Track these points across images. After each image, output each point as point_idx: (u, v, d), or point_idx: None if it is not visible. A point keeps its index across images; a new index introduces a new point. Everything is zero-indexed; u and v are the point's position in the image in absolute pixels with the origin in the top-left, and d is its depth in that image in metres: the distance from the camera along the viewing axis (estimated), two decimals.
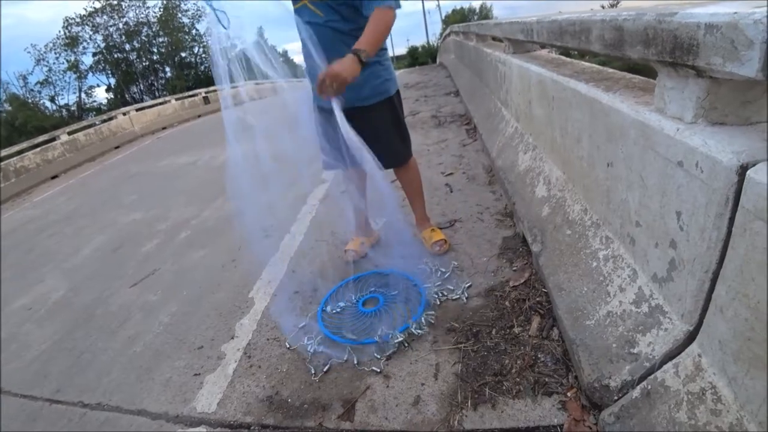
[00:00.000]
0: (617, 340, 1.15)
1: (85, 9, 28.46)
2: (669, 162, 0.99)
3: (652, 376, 1.01)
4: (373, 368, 1.51)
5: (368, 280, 2.05)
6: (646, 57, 1.06)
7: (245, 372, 1.65)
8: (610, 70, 1.68)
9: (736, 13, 0.74)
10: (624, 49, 1.16)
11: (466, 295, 1.79)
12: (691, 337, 0.96)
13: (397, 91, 1.96)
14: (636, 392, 1.03)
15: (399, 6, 1.61)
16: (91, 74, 30.27)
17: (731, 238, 0.81)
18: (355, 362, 1.56)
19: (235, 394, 1.55)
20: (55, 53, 28.13)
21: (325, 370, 1.55)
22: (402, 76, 12.69)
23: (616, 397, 1.08)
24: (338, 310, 1.85)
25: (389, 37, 1.83)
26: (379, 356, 1.56)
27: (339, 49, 1.61)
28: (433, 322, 1.68)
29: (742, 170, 0.77)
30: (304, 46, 1.68)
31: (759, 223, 0.72)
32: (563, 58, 2.38)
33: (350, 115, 1.66)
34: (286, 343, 1.73)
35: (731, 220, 0.81)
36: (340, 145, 1.94)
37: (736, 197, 0.79)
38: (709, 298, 0.89)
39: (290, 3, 1.75)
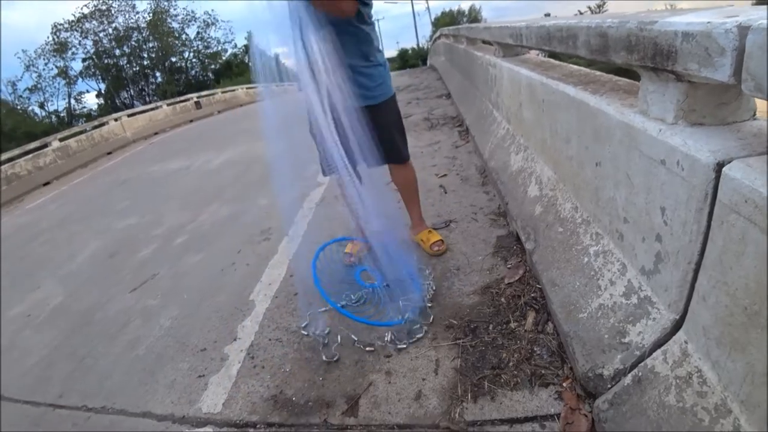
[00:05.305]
0: (609, 331, 1.20)
1: (74, 15, 28.42)
2: (653, 161, 1.05)
3: (642, 364, 1.06)
4: (384, 354, 1.57)
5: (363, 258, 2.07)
6: (630, 62, 1.12)
7: (249, 372, 1.68)
8: (598, 73, 1.74)
9: (709, 22, 0.80)
10: (609, 54, 1.22)
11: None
12: (677, 326, 1.01)
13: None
14: (628, 379, 1.08)
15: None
16: (80, 80, 30.25)
17: (710, 231, 0.87)
18: (361, 346, 1.62)
19: (239, 394, 1.58)
20: (44, 59, 28.05)
21: (335, 359, 1.61)
22: (393, 78, 12.74)
23: (609, 385, 1.13)
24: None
25: (380, 39, 1.95)
26: (396, 341, 1.62)
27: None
28: (431, 314, 1.73)
29: (719, 167, 0.83)
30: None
31: (734, 215, 0.78)
32: (552, 61, 2.45)
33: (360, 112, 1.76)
34: (303, 331, 1.78)
35: (710, 214, 0.86)
36: (336, 149, 1.96)
37: (713, 192, 0.84)
38: (693, 287, 0.95)
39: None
